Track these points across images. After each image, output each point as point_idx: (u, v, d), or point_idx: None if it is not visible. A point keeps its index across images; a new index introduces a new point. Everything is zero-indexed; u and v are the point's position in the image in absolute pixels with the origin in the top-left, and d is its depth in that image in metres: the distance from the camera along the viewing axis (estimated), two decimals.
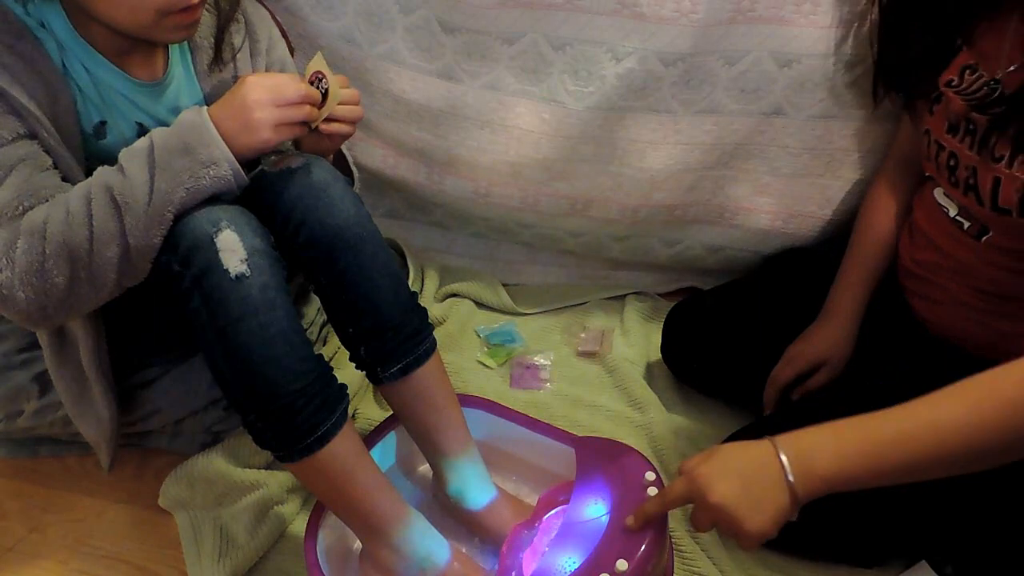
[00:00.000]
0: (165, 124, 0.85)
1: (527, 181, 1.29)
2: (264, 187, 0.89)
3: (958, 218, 0.92)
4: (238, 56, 1.01)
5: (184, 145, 0.79)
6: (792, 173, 1.23)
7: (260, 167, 0.91)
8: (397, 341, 0.92)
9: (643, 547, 0.77)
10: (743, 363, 1.11)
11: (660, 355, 1.24)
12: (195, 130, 0.80)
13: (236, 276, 0.77)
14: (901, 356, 1.00)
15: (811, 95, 1.15)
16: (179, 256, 0.79)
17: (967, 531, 0.88)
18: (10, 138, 0.81)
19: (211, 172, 0.79)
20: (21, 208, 0.80)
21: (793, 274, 1.21)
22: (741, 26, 1.10)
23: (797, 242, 1.29)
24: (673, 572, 0.91)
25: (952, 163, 0.91)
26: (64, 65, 0.86)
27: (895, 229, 1.06)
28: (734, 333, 1.13)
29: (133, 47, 0.90)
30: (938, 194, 0.96)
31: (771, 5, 1.09)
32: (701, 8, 1.08)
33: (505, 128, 1.24)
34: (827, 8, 1.08)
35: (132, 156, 0.80)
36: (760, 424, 1.03)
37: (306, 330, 1.24)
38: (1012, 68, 0.86)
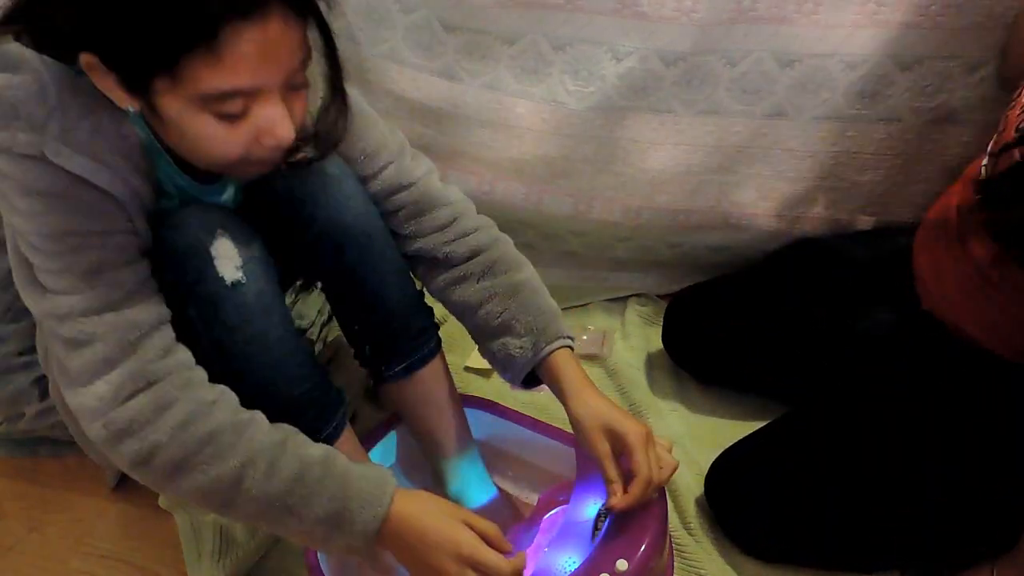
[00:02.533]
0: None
1: (530, 178, 1.29)
2: (272, 181, 0.87)
3: (982, 167, 0.89)
4: None
5: (341, 520, 0.70)
6: (795, 176, 1.23)
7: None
8: (403, 339, 0.92)
9: (643, 547, 0.77)
10: (745, 348, 1.11)
11: (660, 357, 1.23)
12: (368, 519, 0.70)
13: (232, 283, 0.75)
14: (905, 353, 0.99)
15: (813, 96, 1.14)
16: (173, 264, 0.76)
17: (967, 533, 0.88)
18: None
19: (340, 542, 0.71)
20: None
21: (797, 260, 1.20)
22: (742, 26, 1.10)
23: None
24: (673, 572, 0.91)
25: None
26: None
27: None
28: (737, 317, 1.12)
29: None
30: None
31: (772, 5, 1.08)
32: (702, 7, 1.07)
33: (506, 127, 1.24)
34: (828, 8, 1.08)
35: (304, 472, 0.71)
36: (783, 422, 1.01)
37: (306, 331, 1.24)
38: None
